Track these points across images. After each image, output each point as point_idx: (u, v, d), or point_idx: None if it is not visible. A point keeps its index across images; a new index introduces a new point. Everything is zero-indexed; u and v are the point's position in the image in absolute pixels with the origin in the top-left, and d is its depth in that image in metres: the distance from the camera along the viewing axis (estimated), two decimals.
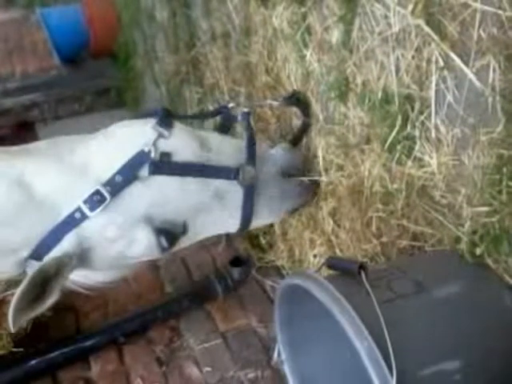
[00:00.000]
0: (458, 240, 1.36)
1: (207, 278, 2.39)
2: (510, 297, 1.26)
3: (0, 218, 1.35)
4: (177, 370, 2.12)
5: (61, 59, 4.25)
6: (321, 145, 1.83)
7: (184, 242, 1.59)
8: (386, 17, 1.42)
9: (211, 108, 2.68)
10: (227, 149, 1.64)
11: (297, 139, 1.90)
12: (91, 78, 4.32)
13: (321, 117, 1.84)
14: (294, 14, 1.83)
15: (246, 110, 1.74)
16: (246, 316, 2.30)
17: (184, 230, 1.53)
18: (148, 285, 2.45)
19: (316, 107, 1.85)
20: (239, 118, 1.74)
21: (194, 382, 2.08)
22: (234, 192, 1.58)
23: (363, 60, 1.56)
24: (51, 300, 1.32)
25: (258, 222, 1.70)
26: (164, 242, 1.47)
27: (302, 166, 1.83)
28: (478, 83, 1.21)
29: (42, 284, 1.31)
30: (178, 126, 1.61)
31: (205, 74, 2.84)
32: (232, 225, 1.65)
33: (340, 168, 1.78)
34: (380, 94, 1.51)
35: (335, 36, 1.65)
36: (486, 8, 1.12)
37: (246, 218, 1.62)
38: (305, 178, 1.80)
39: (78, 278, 1.52)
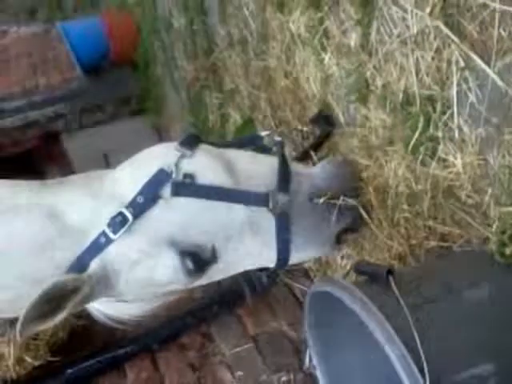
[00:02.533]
0: (486, 240, 1.35)
1: (236, 282, 2.40)
2: None
3: (33, 248, 1.36)
4: (210, 375, 2.15)
5: (82, 70, 4.31)
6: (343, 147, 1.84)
7: (218, 273, 1.51)
8: (404, 19, 1.42)
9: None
10: (257, 172, 1.52)
11: (318, 144, 1.91)
12: (112, 87, 4.37)
13: (342, 120, 1.84)
14: (311, 19, 1.83)
15: (278, 138, 1.64)
16: (276, 319, 2.32)
17: (214, 255, 1.45)
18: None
19: (337, 110, 1.86)
20: (273, 149, 1.62)
21: None
22: (264, 220, 1.46)
23: (382, 62, 1.55)
24: (60, 316, 1.28)
25: (299, 256, 1.55)
26: (190, 265, 1.40)
27: (348, 182, 1.60)
28: (500, 83, 1.20)
29: (58, 300, 1.29)
30: (203, 147, 1.54)
31: (224, 79, 2.86)
32: (269, 257, 1.51)
33: (365, 169, 1.77)
34: (401, 96, 1.51)
35: (353, 39, 1.65)
36: (506, 8, 1.12)
37: (283, 249, 1.49)
38: (338, 201, 1.54)
39: (108, 310, 1.51)
